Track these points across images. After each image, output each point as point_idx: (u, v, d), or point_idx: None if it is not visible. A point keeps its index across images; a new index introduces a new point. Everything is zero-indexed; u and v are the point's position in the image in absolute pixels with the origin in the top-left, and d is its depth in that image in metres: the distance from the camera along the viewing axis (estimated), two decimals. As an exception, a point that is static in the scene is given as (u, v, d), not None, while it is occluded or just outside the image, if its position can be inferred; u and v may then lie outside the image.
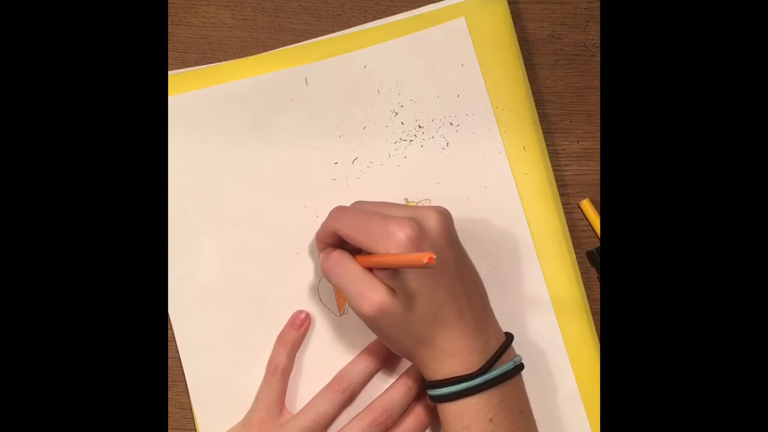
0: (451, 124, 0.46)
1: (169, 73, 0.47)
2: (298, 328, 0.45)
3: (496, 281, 0.45)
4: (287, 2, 0.48)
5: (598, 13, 0.47)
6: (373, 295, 0.38)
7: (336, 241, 0.42)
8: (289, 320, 0.45)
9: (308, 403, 0.43)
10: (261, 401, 0.44)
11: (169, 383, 0.46)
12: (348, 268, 0.39)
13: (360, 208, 0.41)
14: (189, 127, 0.46)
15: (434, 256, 0.34)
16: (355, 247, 0.40)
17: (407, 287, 0.38)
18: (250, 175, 0.46)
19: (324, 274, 0.41)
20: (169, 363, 0.46)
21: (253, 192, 0.46)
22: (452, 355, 0.38)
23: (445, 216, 0.39)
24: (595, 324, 0.45)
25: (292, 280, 0.46)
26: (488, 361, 0.39)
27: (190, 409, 0.45)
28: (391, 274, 0.38)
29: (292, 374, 0.45)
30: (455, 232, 0.40)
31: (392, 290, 0.38)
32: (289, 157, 0.46)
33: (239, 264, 0.46)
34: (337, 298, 0.46)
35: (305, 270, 0.46)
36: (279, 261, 0.46)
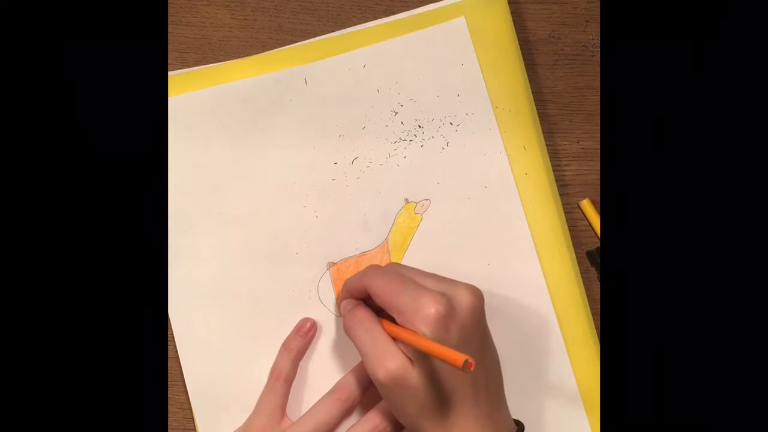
0: (451, 123, 0.46)
1: (169, 73, 0.47)
2: (304, 336, 0.45)
3: (496, 281, 0.45)
4: (287, 2, 0.48)
5: (598, 13, 0.47)
6: (391, 362, 0.37)
7: (362, 296, 0.41)
8: (295, 327, 0.45)
9: (308, 410, 0.43)
10: (263, 407, 0.44)
11: (169, 383, 0.46)
12: (370, 330, 0.39)
13: (396, 271, 0.40)
14: (189, 128, 0.46)
15: (473, 363, 0.33)
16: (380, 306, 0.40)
17: (428, 362, 0.37)
18: (250, 175, 0.46)
19: (344, 328, 0.41)
20: (169, 363, 0.46)
21: (253, 192, 0.46)
22: None
23: (477, 297, 0.39)
24: (595, 324, 0.45)
25: (292, 280, 0.46)
26: None
27: (190, 409, 0.45)
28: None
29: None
30: (484, 315, 0.40)
31: (411, 361, 0.37)
32: (289, 157, 0.46)
33: (239, 264, 0.46)
34: (336, 298, 0.46)
35: (305, 270, 0.46)
36: (279, 261, 0.46)
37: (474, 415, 0.38)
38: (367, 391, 0.44)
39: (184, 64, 0.47)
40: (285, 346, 0.45)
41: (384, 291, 0.39)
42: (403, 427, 0.42)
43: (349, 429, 0.42)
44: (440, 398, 0.37)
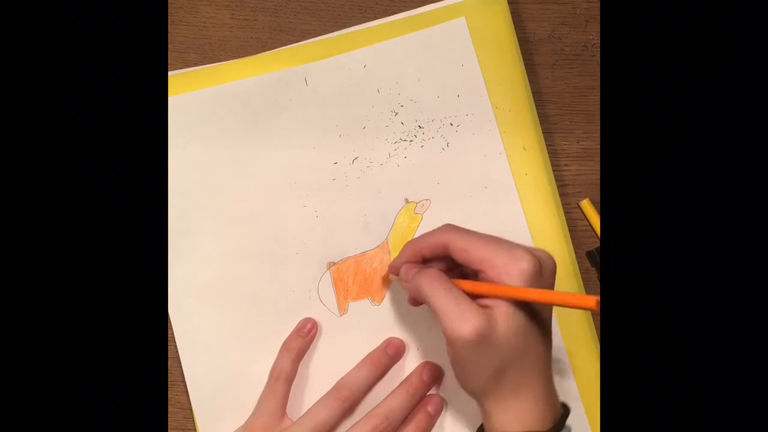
0: (451, 124, 0.46)
1: (169, 73, 0.47)
2: (305, 336, 0.45)
3: None
4: (287, 2, 0.48)
5: (598, 13, 0.47)
6: (476, 319, 0.36)
7: (427, 257, 0.41)
8: (295, 327, 0.45)
9: (308, 410, 0.43)
10: (263, 406, 0.44)
11: (169, 383, 0.46)
12: (448, 288, 0.38)
13: (472, 230, 0.40)
14: (189, 128, 0.46)
15: (598, 300, 0.33)
16: (445, 268, 0.40)
17: (510, 320, 0.37)
18: (250, 175, 0.46)
19: (415, 290, 0.40)
20: (169, 363, 0.46)
21: (253, 192, 0.46)
22: (526, 411, 0.37)
23: (555, 262, 0.39)
24: (595, 324, 0.45)
25: (292, 280, 0.46)
26: (555, 426, 0.38)
27: (190, 409, 0.45)
28: (493, 303, 0.37)
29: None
30: None
31: (493, 319, 0.37)
32: (289, 157, 0.46)
33: (239, 264, 0.46)
34: (336, 298, 0.46)
35: (305, 270, 0.46)
36: (279, 261, 0.46)
37: (543, 384, 0.38)
38: (368, 391, 0.44)
39: (184, 64, 0.47)
40: (285, 346, 0.45)
41: (473, 245, 0.38)
42: (402, 424, 0.42)
43: (349, 429, 0.42)
44: (516, 361, 0.37)
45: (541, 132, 0.46)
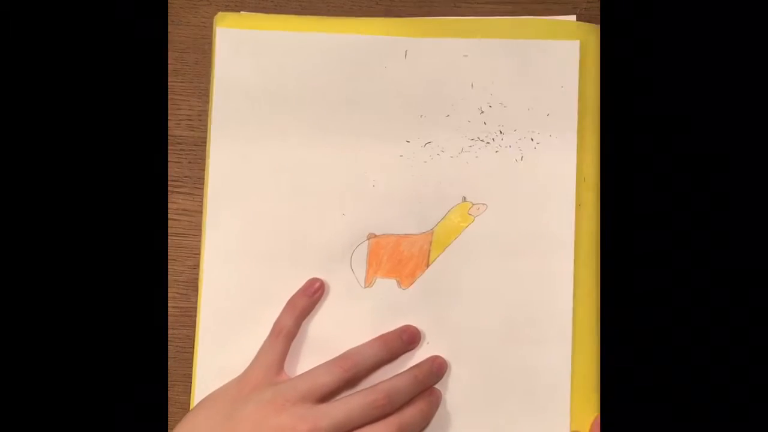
0: (532, 139, 0.45)
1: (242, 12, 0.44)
2: (311, 296, 0.44)
3: (523, 310, 0.44)
4: (288, 2, 0.48)
5: (598, 13, 0.47)
6: None
7: None
8: (302, 286, 0.44)
9: (309, 370, 0.42)
10: (260, 361, 0.43)
11: (169, 383, 0.46)
12: None
13: None
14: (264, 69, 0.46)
15: None
16: None
17: None
18: (320, 125, 0.46)
19: None
20: (169, 363, 0.46)
21: (317, 143, 0.46)
22: None
23: None
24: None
25: (329, 239, 0.45)
26: None
27: (190, 409, 0.45)
28: None
29: (294, 341, 0.44)
30: None
31: None
32: (363, 122, 0.45)
33: (285, 205, 0.45)
34: (367, 269, 0.45)
35: (345, 233, 0.45)
36: (323, 216, 0.45)
37: None
38: (373, 369, 0.43)
39: (184, 64, 0.47)
40: (290, 303, 0.44)
41: None
42: (403, 406, 0.42)
43: (348, 395, 0.41)
44: None
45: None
